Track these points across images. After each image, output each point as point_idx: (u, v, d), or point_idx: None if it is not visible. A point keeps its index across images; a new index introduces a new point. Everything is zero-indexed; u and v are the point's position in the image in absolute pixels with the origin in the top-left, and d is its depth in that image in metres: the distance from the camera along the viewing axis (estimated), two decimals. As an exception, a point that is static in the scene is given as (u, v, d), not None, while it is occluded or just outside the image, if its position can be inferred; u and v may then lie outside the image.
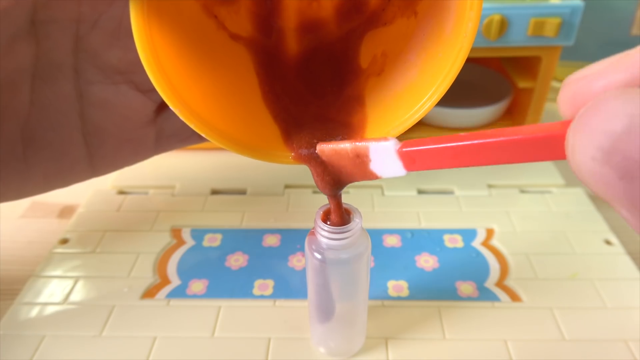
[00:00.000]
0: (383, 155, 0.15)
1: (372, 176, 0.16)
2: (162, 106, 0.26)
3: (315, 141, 0.18)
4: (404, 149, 0.15)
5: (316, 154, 0.18)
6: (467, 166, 0.13)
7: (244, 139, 0.18)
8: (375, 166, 0.16)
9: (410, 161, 0.15)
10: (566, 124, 0.11)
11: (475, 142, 0.13)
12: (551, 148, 0.11)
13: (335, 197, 0.19)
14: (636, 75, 0.11)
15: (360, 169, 0.16)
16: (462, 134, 0.13)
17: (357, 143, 0.16)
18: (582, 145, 0.10)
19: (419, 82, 0.18)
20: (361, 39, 0.21)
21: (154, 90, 0.16)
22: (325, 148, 0.18)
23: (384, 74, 0.20)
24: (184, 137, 0.27)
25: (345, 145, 0.17)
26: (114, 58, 0.24)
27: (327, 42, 0.21)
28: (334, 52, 0.21)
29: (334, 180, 0.19)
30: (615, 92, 0.10)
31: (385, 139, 0.15)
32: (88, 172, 0.26)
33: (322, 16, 0.21)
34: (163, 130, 0.26)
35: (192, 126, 0.16)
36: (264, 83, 0.20)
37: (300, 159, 0.19)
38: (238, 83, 0.20)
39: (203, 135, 0.17)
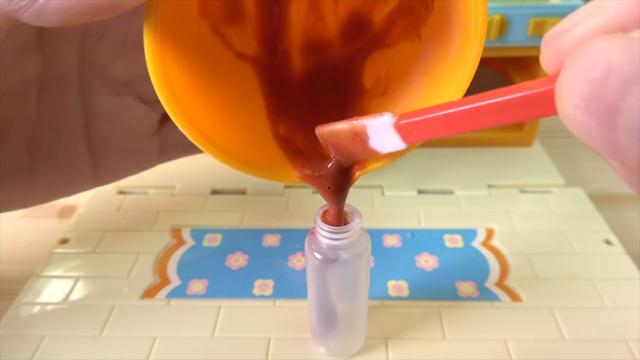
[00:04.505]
0: (380, 131, 0.15)
1: (373, 153, 0.16)
2: (166, 117, 0.26)
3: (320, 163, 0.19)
4: (400, 122, 0.15)
5: (321, 174, 0.18)
6: (465, 132, 0.14)
7: (250, 158, 0.18)
8: (374, 142, 0.16)
9: (408, 133, 0.15)
10: (554, 78, 0.11)
11: (469, 106, 0.13)
12: (544, 104, 0.11)
13: (339, 209, 0.19)
14: (614, 18, 0.11)
15: (360, 147, 0.16)
16: (455, 100, 0.13)
17: (354, 122, 0.16)
18: (567, 95, 0.10)
19: (422, 105, 0.18)
20: (365, 60, 0.21)
21: (158, 101, 0.16)
22: (323, 130, 0.17)
23: (387, 94, 0.20)
24: (187, 147, 0.27)
25: (342, 126, 0.17)
26: (119, 70, 0.24)
27: (332, 62, 0.21)
28: (338, 72, 0.21)
29: (339, 191, 0.19)
30: (596, 40, 0.10)
31: (380, 114, 0.15)
32: (92, 182, 0.26)
33: (327, 36, 0.21)
34: (167, 141, 0.27)
35: (198, 145, 0.17)
36: (270, 102, 0.20)
37: (306, 179, 0.19)
38: (244, 102, 0.20)
39: (209, 154, 0.17)
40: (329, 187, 0.19)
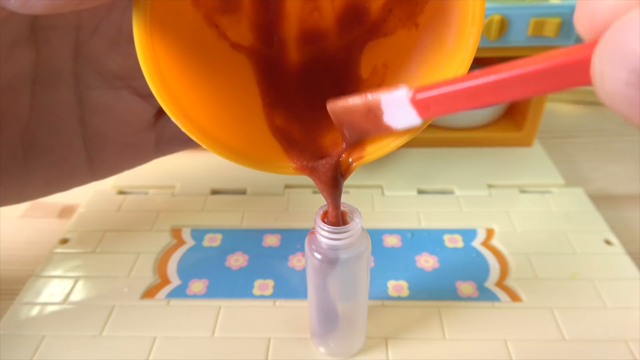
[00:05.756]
0: (396, 105, 0.15)
1: (387, 129, 0.16)
2: (162, 111, 0.26)
3: (316, 153, 0.19)
4: (417, 97, 0.14)
5: (317, 165, 0.18)
6: (485, 106, 0.13)
7: (245, 149, 0.18)
8: (389, 118, 0.15)
9: (425, 108, 0.14)
10: (587, 46, 0.10)
11: (492, 78, 0.12)
12: (574, 75, 0.11)
13: (336, 202, 0.19)
14: None
15: (374, 124, 0.16)
16: (475, 71, 0.12)
17: (369, 96, 0.15)
18: (613, 71, 0.10)
19: None
20: (362, 50, 0.21)
21: (153, 95, 0.16)
22: (335, 107, 0.17)
23: (384, 84, 0.20)
24: (183, 141, 0.27)
25: (355, 101, 0.16)
26: (113, 64, 0.24)
27: (328, 52, 0.21)
28: (334, 63, 0.21)
29: (336, 183, 0.19)
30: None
31: (396, 87, 0.15)
32: (88, 177, 0.26)
33: (323, 26, 0.21)
34: (163, 135, 0.26)
35: (192, 137, 0.16)
36: (265, 94, 0.20)
37: (302, 170, 0.19)
38: (239, 93, 0.20)
39: (203, 145, 0.17)
40: (325, 179, 0.19)
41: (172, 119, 0.16)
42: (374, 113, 0.15)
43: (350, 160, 0.19)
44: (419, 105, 0.14)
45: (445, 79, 0.13)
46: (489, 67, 0.12)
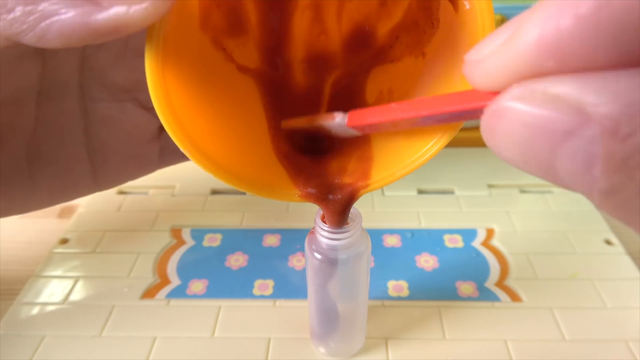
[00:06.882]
0: (339, 129, 0.18)
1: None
2: None
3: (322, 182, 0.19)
4: (351, 124, 0.17)
5: (324, 192, 0.18)
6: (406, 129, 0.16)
7: (250, 176, 0.18)
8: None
9: (361, 129, 0.17)
10: (488, 95, 0.12)
11: (410, 116, 0.15)
12: (476, 115, 0.12)
13: (340, 226, 0.19)
14: (524, 57, 0.10)
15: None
16: (393, 105, 0.15)
17: (315, 123, 0.19)
18: (501, 152, 0.11)
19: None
20: (368, 74, 0.21)
21: None
22: (286, 124, 0.20)
23: None
24: None
25: (304, 123, 0.19)
26: (119, 76, 0.24)
27: (334, 76, 0.21)
28: (340, 86, 0.21)
29: (342, 207, 0.19)
30: (514, 93, 0.10)
31: (332, 117, 0.18)
32: (92, 187, 0.26)
33: (330, 50, 0.21)
34: (167, 146, 0.27)
35: (199, 165, 0.16)
36: (271, 117, 0.20)
37: (308, 197, 0.18)
38: (245, 116, 0.19)
39: (210, 174, 0.16)
40: (331, 206, 0.18)
41: (179, 147, 0.16)
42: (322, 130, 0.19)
43: (355, 189, 0.18)
44: (356, 127, 0.17)
45: (373, 108, 0.16)
46: (411, 102, 0.15)
